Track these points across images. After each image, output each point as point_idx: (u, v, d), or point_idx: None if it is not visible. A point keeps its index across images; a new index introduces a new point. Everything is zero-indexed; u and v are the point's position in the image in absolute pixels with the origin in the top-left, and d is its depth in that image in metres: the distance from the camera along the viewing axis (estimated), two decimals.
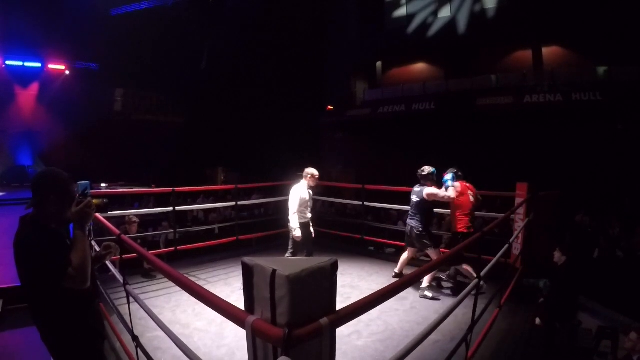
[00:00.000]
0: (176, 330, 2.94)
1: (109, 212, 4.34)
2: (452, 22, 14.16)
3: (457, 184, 4.49)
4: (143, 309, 2.38)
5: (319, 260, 1.39)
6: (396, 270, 4.91)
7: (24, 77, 15.15)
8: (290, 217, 4.50)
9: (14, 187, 13.09)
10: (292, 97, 16.18)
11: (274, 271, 1.27)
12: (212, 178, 16.36)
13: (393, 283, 1.69)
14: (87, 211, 1.73)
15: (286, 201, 4.68)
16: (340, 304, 1.40)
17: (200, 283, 4.63)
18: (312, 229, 4.76)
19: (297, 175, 4.79)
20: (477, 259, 4.74)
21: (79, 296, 1.69)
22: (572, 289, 4.21)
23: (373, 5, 16.04)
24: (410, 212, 4.60)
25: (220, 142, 16.53)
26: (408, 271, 4.72)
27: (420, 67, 16.06)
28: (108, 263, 3.20)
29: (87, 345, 1.80)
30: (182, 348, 1.90)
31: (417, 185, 4.54)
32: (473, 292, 2.56)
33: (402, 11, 15.45)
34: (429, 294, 4.28)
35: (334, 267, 1.40)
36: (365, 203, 6.12)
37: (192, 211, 8.98)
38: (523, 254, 4.67)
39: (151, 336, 3.22)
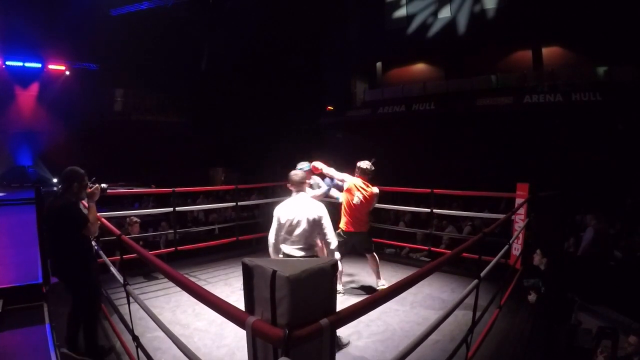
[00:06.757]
0: (176, 330, 2.95)
1: (109, 213, 4.93)
2: (452, 23, 14.15)
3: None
4: (143, 309, 2.39)
5: (319, 261, 1.40)
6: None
7: (24, 78, 15.15)
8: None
9: (14, 187, 13.08)
10: (292, 98, 16.17)
11: (274, 272, 1.28)
12: (213, 178, 16.37)
13: (393, 284, 1.69)
14: (96, 192, 3.08)
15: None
16: (340, 305, 1.40)
17: (200, 283, 4.63)
18: None
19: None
20: (477, 259, 4.77)
21: (90, 245, 3.08)
22: (560, 289, 4.21)
23: (373, 5, 16.02)
24: None
25: (221, 142, 16.51)
26: (408, 272, 4.71)
27: (420, 67, 16.04)
28: (108, 263, 3.28)
29: (96, 272, 3.09)
30: (182, 348, 1.90)
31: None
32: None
33: (402, 12, 15.43)
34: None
35: (334, 268, 1.41)
36: None
37: (192, 211, 8.99)
38: (523, 255, 4.67)
39: (151, 336, 3.22)
